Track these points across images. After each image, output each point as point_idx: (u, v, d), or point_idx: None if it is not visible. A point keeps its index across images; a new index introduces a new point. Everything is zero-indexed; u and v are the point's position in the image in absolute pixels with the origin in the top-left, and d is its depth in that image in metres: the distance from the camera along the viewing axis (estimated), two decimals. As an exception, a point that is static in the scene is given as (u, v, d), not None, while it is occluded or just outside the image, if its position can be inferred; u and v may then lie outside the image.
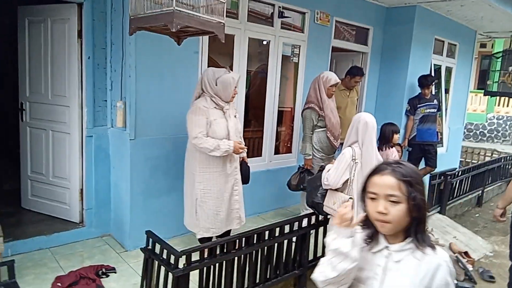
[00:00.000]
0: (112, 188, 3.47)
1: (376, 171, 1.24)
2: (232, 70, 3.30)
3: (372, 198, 1.22)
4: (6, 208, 3.64)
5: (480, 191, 6.16)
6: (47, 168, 3.56)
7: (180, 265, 2.20)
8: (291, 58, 4.65)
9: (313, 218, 3.12)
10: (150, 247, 2.40)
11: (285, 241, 2.90)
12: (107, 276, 2.79)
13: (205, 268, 2.34)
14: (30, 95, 3.60)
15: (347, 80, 4.57)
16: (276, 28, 4.19)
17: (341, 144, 4.60)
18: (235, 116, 3.12)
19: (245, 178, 3.23)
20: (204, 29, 2.28)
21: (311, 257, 3.14)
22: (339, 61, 5.67)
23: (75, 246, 3.24)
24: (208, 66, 3.81)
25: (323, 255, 3.19)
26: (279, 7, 4.14)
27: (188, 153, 3.05)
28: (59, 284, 2.59)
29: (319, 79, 3.84)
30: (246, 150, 3.13)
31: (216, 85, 2.89)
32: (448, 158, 6.55)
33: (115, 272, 2.85)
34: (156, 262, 2.32)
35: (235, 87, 2.97)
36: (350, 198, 2.76)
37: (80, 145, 3.39)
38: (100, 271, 2.79)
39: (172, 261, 2.21)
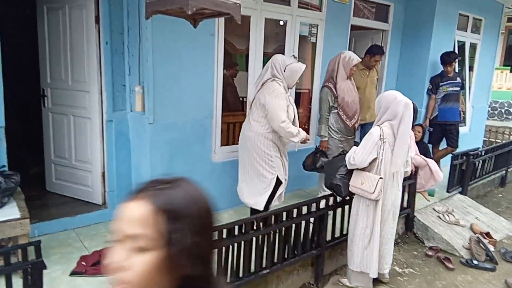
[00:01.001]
0: (133, 171, 3.55)
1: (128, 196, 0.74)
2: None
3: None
4: (31, 192, 3.75)
5: (504, 171, 6.00)
6: (70, 152, 3.66)
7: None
8: (309, 38, 4.57)
9: (331, 200, 3.12)
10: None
11: (303, 222, 2.93)
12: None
13: (223, 248, 2.39)
14: (51, 82, 3.68)
15: (366, 59, 4.46)
16: (293, 7, 4.11)
17: (361, 125, 4.56)
18: None
19: None
20: (220, 10, 2.26)
21: (329, 237, 3.16)
22: (358, 40, 5.53)
23: (98, 227, 3.35)
24: (225, 49, 3.80)
25: (341, 235, 3.23)
26: (296, -15, 4.05)
27: (259, 137, 3.04)
28: (83, 263, 2.70)
29: (339, 59, 3.76)
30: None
31: (285, 71, 3.06)
32: (471, 137, 6.38)
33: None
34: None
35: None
36: (380, 178, 2.75)
37: (101, 129, 3.46)
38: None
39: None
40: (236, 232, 2.46)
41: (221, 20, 3.50)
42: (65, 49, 3.51)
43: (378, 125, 2.82)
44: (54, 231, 3.22)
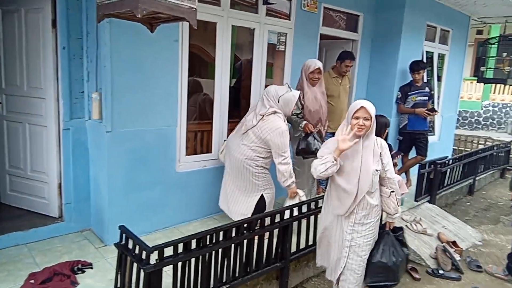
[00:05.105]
0: (91, 182, 3.40)
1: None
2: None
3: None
4: (-15, 204, 3.57)
5: (472, 180, 6.11)
6: (25, 162, 3.48)
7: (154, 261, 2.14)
8: (278, 47, 4.54)
9: (296, 210, 3.05)
10: (123, 242, 2.33)
11: (267, 234, 2.85)
12: (83, 272, 2.73)
13: (179, 264, 2.28)
14: (6, 88, 3.49)
15: (338, 66, 4.46)
16: (261, 15, 4.07)
17: (333, 133, 4.54)
18: None
19: None
20: (174, 14, 2.18)
21: (294, 249, 3.09)
22: (329, 49, 5.55)
23: (53, 241, 3.17)
24: (192, 56, 3.73)
25: (306, 246, 3.17)
26: (264, -7, 4.02)
27: (249, 161, 3.28)
28: (32, 281, 2.52)
29: (302, 67, 3.76)
30: None
31: (278, 102, 3.26)
32: (440, 146, 6.49)
33: (91, 268, 2.79)
34: (129, 258, 2.26)
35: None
36: None
37: (57, 138, 3.30)
38: (76, 267, 2.72)
39: (144, 257, 2.14)
40: (193, 246, 2.36)
41: (186, 26, 3.42)
42: (21, 54, 3.35)
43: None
44: (4, 246, 3.03)
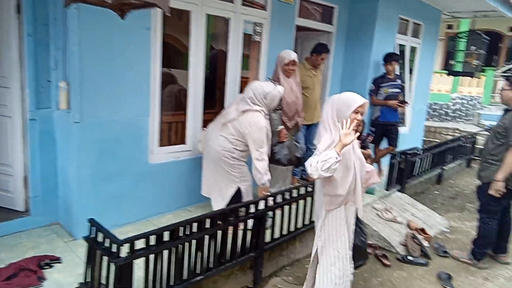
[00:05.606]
0: (59, 174, 3.28)
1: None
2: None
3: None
4: None
5: (440, 169, 6.32)
6: (-11, 154, 3.32)
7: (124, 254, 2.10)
8: (254, 37, 4.51)
9: (271, 200, 3.07)
10: (93, 235, 2.28)
11: (241, 224, 2.85)
12: (51, 267, 2.65)
13: (151, 256, 2.25)
14: (-33, 76, 3.31)
15: (313, 58, 4.48)
16: (237, 4, 4.02)
17: (307, 126, 4.58)
18: None
19: None
20: (146, 0, 2.12)
21: (268, 239, 3.11)
22: (304, 41, 5.56)
23: (20, 236, 3.06)
24: (167, 46, 3.64)
25: (281, 236, 3.20)
26: (239, -18, 3.96)
27: (226, 152, 3.26)
28: (-4, 277, 2.43)
29: (277, 58, 3.76)
30: None
31: (265, 99, 3.28)
32: (411, 137, 6.67)
33: (60, 263, 2.71)
34: (99, 252, 2.21)
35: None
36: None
37: (23, 129, 3.16)
38: (44, 262, 2.64)
39: (114, 250, 2.10)
40: (166, 238, 2.33)
41: (158, 13, 3.33)
42: (-18, 41, 3.17)
43: None
44: (-34, 242, 2.90)
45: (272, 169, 3.65)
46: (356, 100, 2.33)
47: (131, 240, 2.10)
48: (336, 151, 2.16)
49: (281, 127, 3.80)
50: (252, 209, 2.88)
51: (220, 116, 3.45)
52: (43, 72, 3.16)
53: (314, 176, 2.22)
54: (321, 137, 2.40)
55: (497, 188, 3.37)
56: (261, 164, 3.25)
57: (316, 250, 2.49)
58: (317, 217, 2.58)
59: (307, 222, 3.47)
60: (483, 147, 3.68)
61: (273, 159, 3.68)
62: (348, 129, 2.21)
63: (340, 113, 2.34)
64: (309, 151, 4.95)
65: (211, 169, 3.40)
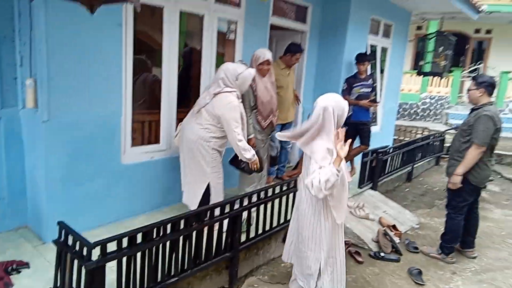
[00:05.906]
0: (27, 176, 3.16)
1: None
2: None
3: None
4: None
5: (411, 167, 6.52)
6: (-51, 155, 3.14)
7: (96, 258, 2.04)
8: (228, 35, 4.49)
9: (246, 200, 3.07)
10: (63, 239, 2.20)
11: (216, 225, 2.83)
12: (19, 272, 2.54)
13: (124, 259, 2.20)
14: None
15: (288, 58, 4.51)
16: (210, 1, 3.98)
17: (281, 125, 4.60)
18: None
19: None
20: (116, -5, 2.06)
21: (243, 238, 3.11)
22: (279, 40, 5.58)
23: (-15, 240, 2.93)
24: (138, 41, 3.55)
25: (256, 235, 3.20)
26: (213, -21, 3.93)
27: (201, 141, 3.20)
28: (-42, 285, 2.31)
29: (251, 58, 3.75)
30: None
31: (237, 80, 3.23)
32: (382, 136, 6.83)
33: (28, 268, 2.61)
34: (69, 255, 2.13)
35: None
36: None
37: (-14, 128, 3.02)
38: (10, 267, 2.53)
39: (85, 253, 2.04)
40: (140, 240, 2.28)
41: (130, 9, 3.25)
42: None
43: None
44: None
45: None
46: (346, 109, 2.29)
47: (102, 243, 2.05)
48: (335, 168, 2.12)
49: (252, 135, 3.80)
50: (227, 208, 2.87)
51: (195, 105, 3.40)
52: (8, 68, 3.03)
53: (319, 197, 2.18)
54: (313, 146, 2.30)
55: (455, 181, 3.52)
56: (242, 143, 3.22)
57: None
58: (311, 235, 2.57)
59: (282, 221, 3.49)
60: (450, 145, 3.81)
61: (239, 167, 3.61)
62: (340, 140, 2.15)
63: (342, 119, 2.27)
64: (284, 150, 5.00)
65: (186, 163, 3.33)
